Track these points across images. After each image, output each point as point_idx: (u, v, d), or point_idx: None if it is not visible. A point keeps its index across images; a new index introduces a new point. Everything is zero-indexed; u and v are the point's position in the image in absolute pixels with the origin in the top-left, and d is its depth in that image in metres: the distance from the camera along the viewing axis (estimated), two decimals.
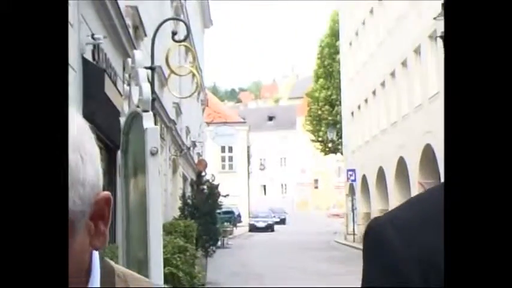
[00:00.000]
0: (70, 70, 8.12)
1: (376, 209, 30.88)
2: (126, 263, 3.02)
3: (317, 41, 50.34)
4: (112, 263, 1.14)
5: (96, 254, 1.09)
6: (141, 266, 2.63)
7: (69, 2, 8.33)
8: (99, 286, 1.06)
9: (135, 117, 2.53)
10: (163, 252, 6.90)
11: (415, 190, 23.89)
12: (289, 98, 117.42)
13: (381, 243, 1.23)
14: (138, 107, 2.42)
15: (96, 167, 1.03)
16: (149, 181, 2.33)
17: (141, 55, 2.60)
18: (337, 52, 43.22)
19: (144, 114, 2.29)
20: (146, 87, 2.31)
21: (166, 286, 2.78)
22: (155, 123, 13.07)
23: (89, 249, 1.05)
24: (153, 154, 2.25)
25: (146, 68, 14.05)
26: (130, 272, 1.14)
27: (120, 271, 1.11)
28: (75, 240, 1.01)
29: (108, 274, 1.09)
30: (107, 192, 1.03)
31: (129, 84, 2.63)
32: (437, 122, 21.38)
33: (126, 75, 2.72)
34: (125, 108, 2.67)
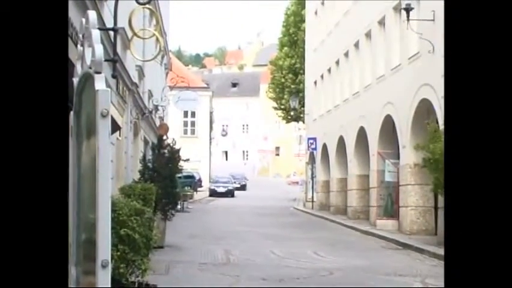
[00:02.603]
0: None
1: (335, 177, 31.21)
2: (76, 226, 2.99)
3: (283, 9, 50.21)
4: None
5: None
6: (92, 228, 2.60)
7: None
8: None
9: (87, 79, 2.49)
10: (120, 214, 6.88)
11: (374, 160, 24.16)
12: (254, 65, 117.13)
13: None
14: (90, 68, 2.39)
15: None
16: (99, 143, 2.31)
17: (95, 15, 2.55)
18: (303, 21, 43.16)
19: (96, 75, 2.25)
20: (99, 49, 2.26)
21: None
22: (117, 86, 12.87)
23: None
24: (103, 116, 2.23)
25: (108, 29, 13.78)
26: None
27: None
28: None
29: None
30: None
31: (82, 45, 2.58)
32: (399, 94, 21.58)
33: (79, 36, 2.67)
34: (78, 69, 2.63)
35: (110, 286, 2.54)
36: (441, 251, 15.83)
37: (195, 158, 47.13)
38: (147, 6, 13.48)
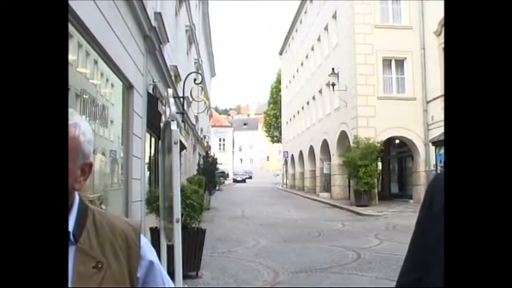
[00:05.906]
0: (139, 97, 7.87)
1: (298, 171, 31.07)
2: (163, 198, 3.01)
3: (270, 85, 50.48)
4: (88, 203, 1.02)
5: (77, 196, 1.00)
6: (171, 199, 2.62)
7: (140, 61, 7.96)
8: (75, 214, 0.96)
9: (168, 123, 2.53)
10: (185, 192, 6.78)
11: (318, 162, 24.10)
12: (255, 113, 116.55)
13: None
14: (169, 117, 2.42)
15: (89, 147, 0.99)
16: (173, 156, 2.34)
17: (171, 90, 2.61)
18: (280, 90, 43.26)
19: (171, 122, 2.29)
20: (173, 109, 2.31)
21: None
22: (184, 126, 12.72)
23: (73, 188, 0.96)
24: (175, 143, 2.27)
25: (179, 97, 13.72)
26: (101, 210, 1.05)
27: (95, 208, 1.02)
28: (72, 170, 0.93)
29: (83, 208, 1.00)
30: (91, 160, 0.99)
31: (165, 106, 2.63)
32: (330, 128, 21.50)
33: (164, 101, 2.72)
34: (163, 118, 2.67)
35: (180, 231, 2.55)
36: (352, 208, 15.73)
37: (225, 162, 47.01)
38: (200, 85, 13.56)
